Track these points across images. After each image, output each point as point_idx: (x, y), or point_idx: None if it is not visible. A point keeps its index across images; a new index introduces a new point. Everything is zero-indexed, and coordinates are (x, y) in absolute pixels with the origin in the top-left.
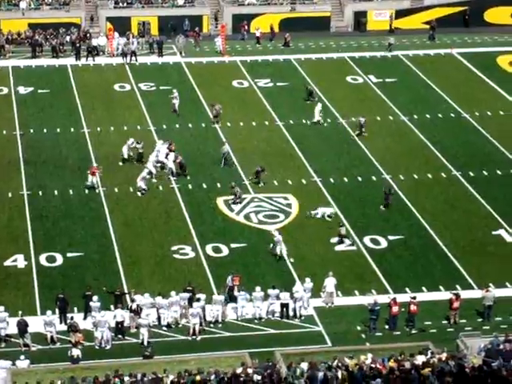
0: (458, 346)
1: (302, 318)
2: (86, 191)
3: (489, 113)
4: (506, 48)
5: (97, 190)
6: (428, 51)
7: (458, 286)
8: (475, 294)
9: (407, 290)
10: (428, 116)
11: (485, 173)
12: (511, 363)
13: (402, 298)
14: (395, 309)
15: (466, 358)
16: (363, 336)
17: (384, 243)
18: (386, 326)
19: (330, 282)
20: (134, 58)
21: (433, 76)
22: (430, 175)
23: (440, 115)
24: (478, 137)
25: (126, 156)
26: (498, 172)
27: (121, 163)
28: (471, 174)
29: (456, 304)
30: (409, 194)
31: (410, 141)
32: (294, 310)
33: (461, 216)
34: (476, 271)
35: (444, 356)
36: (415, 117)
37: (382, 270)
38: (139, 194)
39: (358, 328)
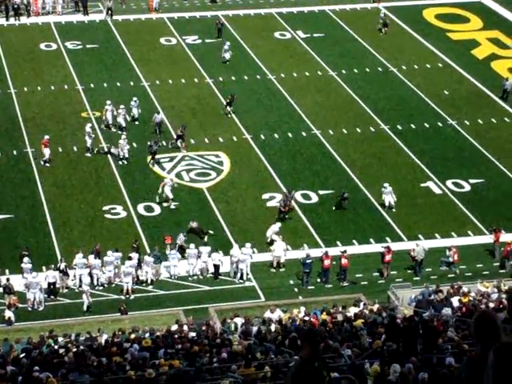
0: (389, 297)
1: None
2: (14, 152)
3: (416, 66)
4: (432, 1)
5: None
6: (354, 5)
7: (388, 239)
8: (405, 245)
9: (338, 243)
10: (356, 71)
11: (412, 126)
12: (442, 313)
13: (334, 251)
14: (327, 262)
15: (397, 309)
16: (296, 290)
17: (315, 198)
18: (319, 280)
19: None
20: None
21: (360, 30)
22: (358, 129)
23: (367, 69)
24: (406, 90)
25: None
26: (426, 125)
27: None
28: (399, 127)
29: (388, 257)
30: (338, 148)
31: (338, 96)
32: (242, 271)
33: (389, 169)
34: (405, 223)
35: (376, 308)
36: (343, 72)
37: (313, 224)
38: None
39: (291, 282)
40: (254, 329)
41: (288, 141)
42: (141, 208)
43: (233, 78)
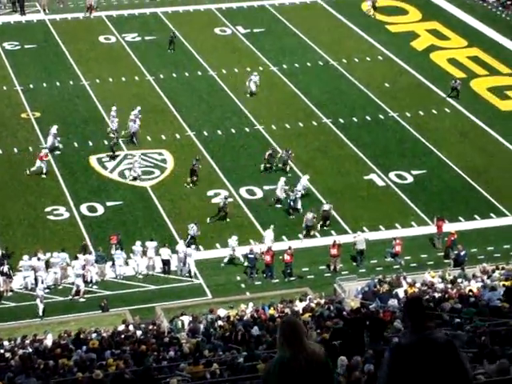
0: (336, 290)
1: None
2: None
3: (356, 59)
4: None
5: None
6: (294, 0)
7: (333, 232)
8: (349, 238)
9: (284, 238)
10: (297, 65)
11: (354, 119)
12: (388, 304)
13: (281, 246)
14: (267, 258)
15: (344, 302)
16: (243, 286)
17: (260, 193)
18: (265, 275)
19: (268, 235)
20: None
21: (299, 25)
22: (301, 124)
23: (308, 64)
24: (347, 84)
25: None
26: (367, 118)
27: None
28: (341, 120)
29: (333, 251)
30: (281, 143)
31: (280, 90)
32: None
33: (333, 162)
34: (350, 216)
35: (323, 301)
36: (284, 66)
37: (259, 219)
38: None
39: (238, 278)
40: (202, 326)
41: (231, 137)
42: (84, 208)
43: (174, 75)
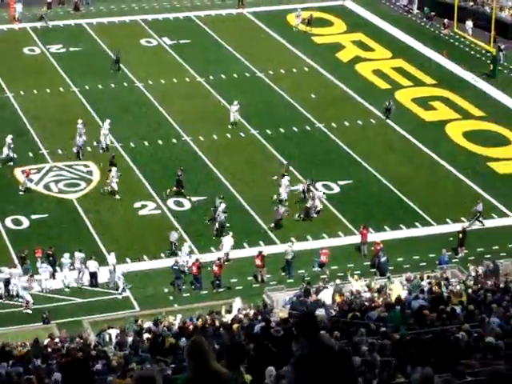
0: (264, 300)
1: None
2: None
3: (282, 71)
4: (296, 6)
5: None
6: (220, 11)
7: (261, 243)
8: (278, 248)
9: (212, 249)
10: (223, 76)
11: (281, 130)
12: (316, 313)
13: (212, 257)
14: (194, 269)
15: (272, 312)
16: (171, 298)
17: (188, 205)
18: (193, 287)
19: (226, 241)
20: None
21: (226, 36)
22: (228, 135)
23: (235, 75)
24: (274, 95)
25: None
26: (294, 129)
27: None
28: (268, 132)
29: (257, 261)
30: (209, 154)
31: (207, 102)
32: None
33: (260, 174)
34: (277, 226)
35: (252, 312)
36: (211, 78)
37: (187, 231)
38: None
39: (166, 290)
40: (130, 339)
41: (159, 148)
42: (8, 222)
43: (99, 86)
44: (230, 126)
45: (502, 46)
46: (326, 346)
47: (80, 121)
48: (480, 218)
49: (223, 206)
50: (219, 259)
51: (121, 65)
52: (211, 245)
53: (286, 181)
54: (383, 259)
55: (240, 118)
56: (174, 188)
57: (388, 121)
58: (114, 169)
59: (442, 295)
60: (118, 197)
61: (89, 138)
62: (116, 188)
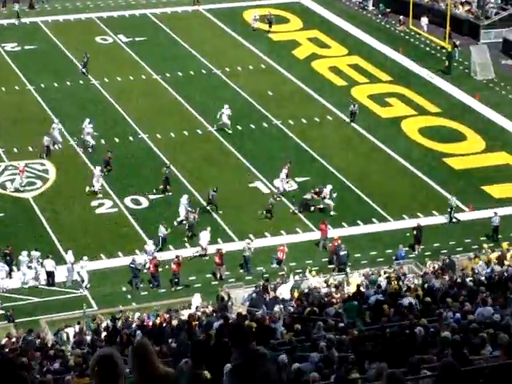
0: (223, 298)
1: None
2: None
3: (239, 68)
4: (252, 3)
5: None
6: (175, 8)
7: (219, 240)
8: (236, 246)
9: (171, 247)
10: (180, 74)
11: (239, 127)
12: (274, 310)
13: (169, 255)
14: (151, 267)
15: (231, 309)
16: (129, 296)
17: (145, 203)
18: (151, 285)
19: (203, 236)
20: None
21: (182, 33)
22: (186, 132)
23: (192, 72)
24: (231, 92)
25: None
26: (252, 126)
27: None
28: (226, 128)
29: (216, 259)
30: (166, 152)
31: (164, 99)
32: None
33: (218, 171)
34: (236, 224)
35: (210, 309)
36: (167, 75)
37: (143, 228)
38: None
39: (124, 289)
40: (88, 338)
41: (115, 146)
42: None
43: (55, 84)
44: (214, 128)
45: (458, 42)
46: (259, 354)
47: (56, 120)
48: (453, 213)
49: (187, 204)
50: (177, 257)
51: (85, 68)
52: (175, 242)
53: (283, 174)
54: (343, 253)
55: (226, 120)
56: (161, 186)
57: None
58: (97, 168)
59: (400, 290)
60: (99, 195)
61: (41, 137)
62: (97, 188)
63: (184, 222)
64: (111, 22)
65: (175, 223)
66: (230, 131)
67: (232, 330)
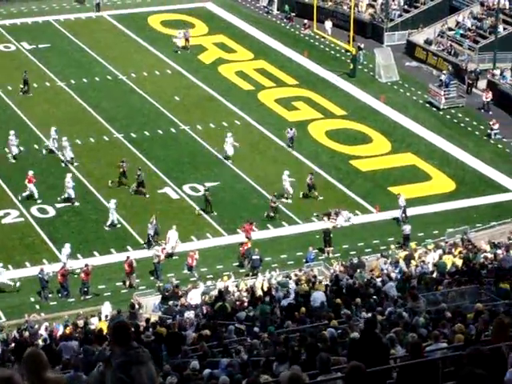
0: (133, 305)
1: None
2: None
3: (145, 73)
4: (157, 8)
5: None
6: (79, 15)
7: (129, 247)
8: (147, 253)
9: (79, 256)
10: (85, 80)
11: (146, 133)
12: (185, 317)
13: (77, 264)
14: (59, 277)
15: (141, 317)
16: (37, 307)
17: (52, 211)
18: (60, 295)
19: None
20: None
21: (86, 39)
22: (92, 139)
23: (97, 78)
24: (137, 98)
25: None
26: (159, 131)
27: None
28: (133, 135)
29: (126, 267)
30: (75, 158)
31: (69, 106)
32: None
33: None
34: (144, 230)
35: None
36: (72, 81)
37: (51, 238)
38: None
39: (32, 299)
40: None
41: (20, 154)
42: None
43: None
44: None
45: (362, 45)
46: (140, 352)
47: (54, 128)
48: (403, 213)
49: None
50: (86, 265)
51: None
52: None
53: (285, 175)
54: (255, 257)
55: (232, 147)
56: (140, 188)
57: (290, 149)
58: (69, 175)
59: (310, 292)
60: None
61: None
62: (72, 195)
63: (113, 225)
64: (14, 29)
65: (105, 227)
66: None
67: (113, 328)
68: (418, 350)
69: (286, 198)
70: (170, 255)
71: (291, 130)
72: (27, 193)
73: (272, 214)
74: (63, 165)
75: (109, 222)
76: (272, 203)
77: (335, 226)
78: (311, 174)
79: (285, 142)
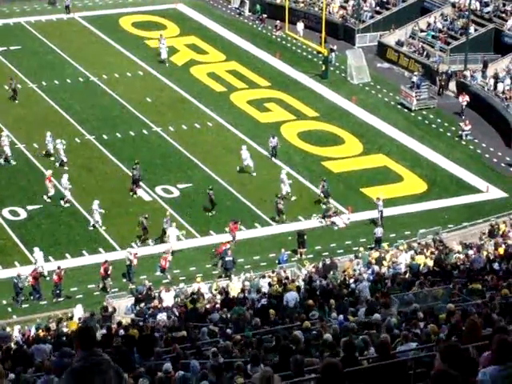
0: (107, 308)
1: None
2: None
3: (116, 75)
4: (128, 9)
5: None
6: (50, 16)
7: (101, 249)
8: (119, 255)
9: (51, 258)
10: (57, 82)
11: (118, 135)
12: (157, 319)
13: (51, 266)
14: (31, 280)
15: (114, 319)
16: (10, 310)
17: (23, 214)
18: (32, 297)
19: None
20: None
21: (57, 41)
22: (63, 141)
23: (68, 80)
24: (108, 99)
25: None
26: (131, 133)
27: None
28: (105, 136)
29: (102, 271)
30: (45, 161)
31: (40, 108)
32: None
33: (99, 179)
34: (117, 233)
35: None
36: (44, 83)
37: (23, 241)
38: None
39: (4, 302)
40: None
41: None
42: None
43: None
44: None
45: (334, 47)
46: (101, 359)
47: (49, 133)
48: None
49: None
50: (59, 268)
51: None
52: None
53: (283, 175)
54: (229, 258)
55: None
56: (134, 187)
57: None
58: (65, 176)
59: (282, 294)
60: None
61: None
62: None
63: (96, 225)
64: None
65: (90, 227)
66: (253, 173)
67: (78, 331)
68: (386, 350)
69: (290, 197)
70: (172, 252)
71: (273, 138)
72: (51, 193)
73: (278, 217)
74: (57, 165)
75: (92, 222)
76: (279, 205)
77: (334, 222)
78: (324, 180)
79: (267, 151)
